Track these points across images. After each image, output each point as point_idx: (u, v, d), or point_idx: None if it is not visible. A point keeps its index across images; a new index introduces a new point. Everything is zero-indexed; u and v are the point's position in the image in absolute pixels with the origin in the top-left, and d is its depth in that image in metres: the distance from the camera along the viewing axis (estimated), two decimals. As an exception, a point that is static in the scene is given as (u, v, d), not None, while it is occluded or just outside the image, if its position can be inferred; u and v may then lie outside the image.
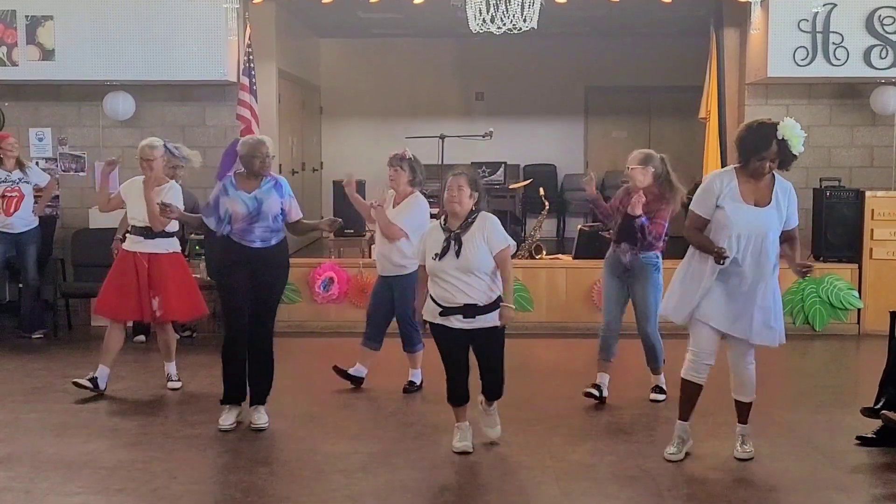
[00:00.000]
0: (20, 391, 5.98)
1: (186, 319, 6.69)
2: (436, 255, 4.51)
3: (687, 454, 4.67)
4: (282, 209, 5.12)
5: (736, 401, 4.68)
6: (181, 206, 5.87)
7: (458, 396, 4.69)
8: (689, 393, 4.61)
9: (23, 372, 6.49)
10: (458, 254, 4.46)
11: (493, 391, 4.75)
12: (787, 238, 4.51)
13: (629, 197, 5.46)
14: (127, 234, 5.93)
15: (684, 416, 4.66)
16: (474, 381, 4.75)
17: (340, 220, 5.27)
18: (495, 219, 4.61)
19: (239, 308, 5.09)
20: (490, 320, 4.54)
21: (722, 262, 4.30)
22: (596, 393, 5.61)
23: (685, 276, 4.57)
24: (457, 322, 4.53)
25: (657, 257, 5.53)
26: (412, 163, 5.73)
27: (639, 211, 5.31)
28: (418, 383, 5.93)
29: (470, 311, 4.51)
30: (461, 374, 4.66)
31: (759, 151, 4.35)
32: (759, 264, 4.39)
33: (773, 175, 4.45)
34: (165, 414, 5.54)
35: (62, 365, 6.61)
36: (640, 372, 5.86)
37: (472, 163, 9.25)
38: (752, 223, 4.39)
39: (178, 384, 5.98)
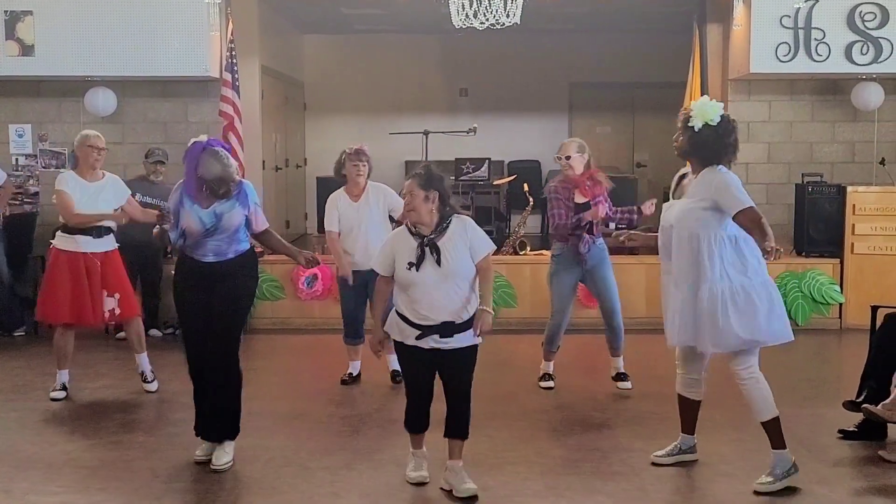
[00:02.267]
0: (0, 389, 5.92)
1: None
2: (410, 264, 4.00)
3: (682, 464, 4.45)
4: (246, 218, 4.52)
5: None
6: (125, 197, 5.78)
7: (419, 424, 4.23)
8: (681, 407, 4.48)
9: (2, 370, 6.43)
10: (438, 262, 3.99)
11: (460, 426, 4.16)
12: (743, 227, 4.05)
13: (567, 188, 5.69)
14: (61, 234, 5.68)
15: (684, 428, 4.49)
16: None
17: (318, 260, 4.81)
18: (473, 222, 4.18)
19: (193, 337, 4.52)
20: (466, 339, 4.08)
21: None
22: (552, 384, 5.87)
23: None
24: (432, 342, 4.06)
25: (602, 240, 5.80)
26: (369, 158, 5.91)
27: (602, 213, 5.58)
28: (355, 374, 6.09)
29: (447, 329, 4.03)
30: (427, 400, 4.19)
31: None
32: (677, 261, 4.13)
33: (711, 169, 4.15)
34: (147, 412, 5.51)
35: (42, 363, 6.54)
36: (626, 367, 5.87)
37: (456, 159, 9.24)
38: (666, 214, 4.30)
39: (154, 385, 5.84)
